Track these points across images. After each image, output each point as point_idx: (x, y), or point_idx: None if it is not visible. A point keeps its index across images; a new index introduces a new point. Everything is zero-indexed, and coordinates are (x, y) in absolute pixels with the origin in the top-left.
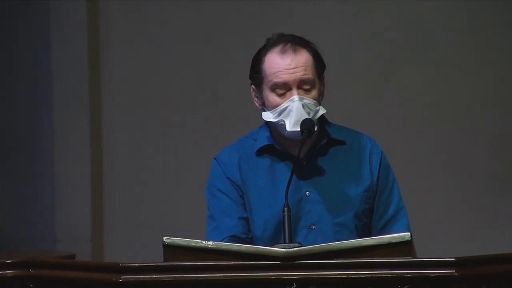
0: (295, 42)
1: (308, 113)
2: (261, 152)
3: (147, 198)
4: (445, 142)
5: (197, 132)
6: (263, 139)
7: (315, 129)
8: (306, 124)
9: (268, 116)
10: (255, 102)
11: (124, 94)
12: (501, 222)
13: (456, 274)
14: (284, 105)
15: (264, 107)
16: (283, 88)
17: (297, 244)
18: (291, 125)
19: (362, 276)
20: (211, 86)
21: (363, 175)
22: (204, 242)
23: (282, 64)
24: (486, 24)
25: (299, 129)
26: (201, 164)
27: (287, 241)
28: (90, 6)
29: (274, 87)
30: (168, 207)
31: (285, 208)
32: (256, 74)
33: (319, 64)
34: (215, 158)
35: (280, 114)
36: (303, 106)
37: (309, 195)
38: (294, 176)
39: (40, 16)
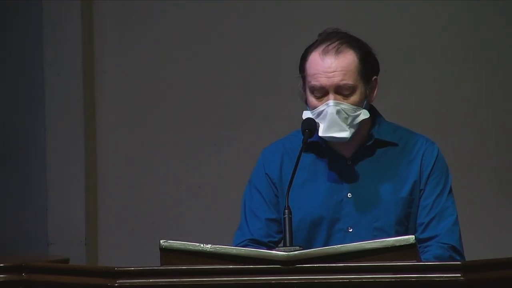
0: (342, 42)
1: (346, 119)
2: (308, 148)
3: (143, 200)
4: (449, 142)
5: (194, 133)
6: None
7: (351, 133)
8: (307, 123)
9: (307, 115)
10: (301, 98)
11: (119, 94)
12: (508, 224)
13: (462, 278)
14: (320, 108)
15: (307, 105)
16: (321, 92)
17: (298, 248)
18: (323, 130)
19: (365, 280)
20: (209, 86)
21: (410, 178)
22: (202, 245)
23: (322, 66)
24: (491, 23)
25: (330, 135)
26: (198, 165)
27: (288, 244)
28: (84, 5)
29: (312, 89)
30: (164, 210)
31: (286, 211)
32: (301, 71)
33: (366, 66)
34: (262, 152)
35: (318, 116)
36: (338, 112)
37: (350, 197)
38: (336, 176)
39: (34, 16)
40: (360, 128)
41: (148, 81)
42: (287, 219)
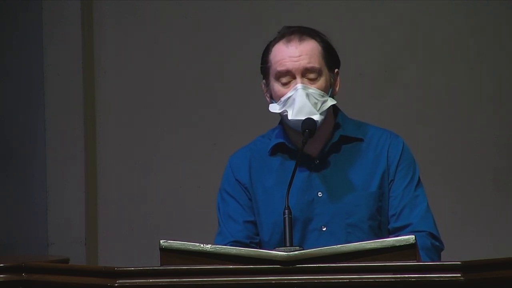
0: (303, 32)
1: (315, 104)
2: (274, 151)
3: (142, 201)
4: (449, 142)
5: (194, 133)
6: (276, 138)
7: (320, 120)
8: (307, 123)
9: (274, 107)
10: (265, 97)
11: (119, 94)
12: (508, 224)
13: (462, 278)
14: (288, 94)
15: (272, 99)
16: (287, 77)
17: (298, 248)
18: (293, 114)
19: (365, 280)
20: (208, 86)
21: (378, 172)
22: (202, 245)
23: (287, 52)
24: (490, 23)
25: (301, 118)
26: (198, 166)
27: (287, 244)
28: (84, 5)
29: (278, 76)
30: (164, 210)
31: (286, 211)
32: (263, 64)
33: (329, 55)
34: (229, 159)
35: (284, 104)
36: (307, 95)
37: (321, 196)
38: (305, 176)
39: (34, 16)
40: (324, 125)
41: (148, 81)
42: (287, 219)
